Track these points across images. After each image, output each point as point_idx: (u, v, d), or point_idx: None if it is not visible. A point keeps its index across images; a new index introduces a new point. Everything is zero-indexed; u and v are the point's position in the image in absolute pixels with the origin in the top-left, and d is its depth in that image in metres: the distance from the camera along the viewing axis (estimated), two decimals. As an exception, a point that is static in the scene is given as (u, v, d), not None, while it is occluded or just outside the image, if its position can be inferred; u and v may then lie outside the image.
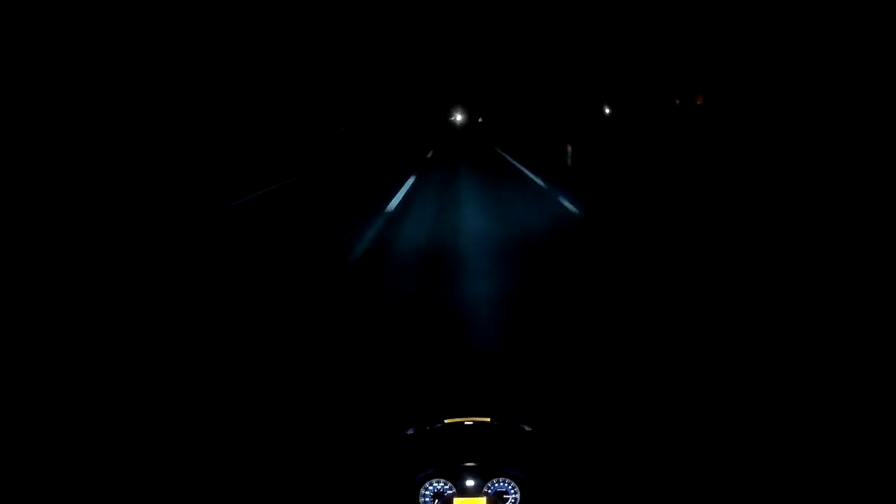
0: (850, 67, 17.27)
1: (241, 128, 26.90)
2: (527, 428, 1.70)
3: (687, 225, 8.50)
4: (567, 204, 10.34)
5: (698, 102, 28.88)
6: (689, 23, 27.83)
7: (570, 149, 18.26)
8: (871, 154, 13.35)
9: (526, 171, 16.67)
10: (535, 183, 14.10)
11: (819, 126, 17.08)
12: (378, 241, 7.51)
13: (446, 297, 5.00)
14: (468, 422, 1.68)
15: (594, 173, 15.74)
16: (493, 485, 1.55)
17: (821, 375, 2.84)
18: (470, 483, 1.55)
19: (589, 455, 1.64)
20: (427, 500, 1.53)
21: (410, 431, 1.67)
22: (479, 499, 1.54)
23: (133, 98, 21.03)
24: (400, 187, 13.03)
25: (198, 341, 4.18)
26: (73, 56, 18.61)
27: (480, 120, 63.83)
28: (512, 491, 1.55)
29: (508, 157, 22.48)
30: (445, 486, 1.54)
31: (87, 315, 4.85)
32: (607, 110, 41.08)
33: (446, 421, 1.69)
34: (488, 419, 1.70)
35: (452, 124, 63.23)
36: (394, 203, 10.80)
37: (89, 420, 2.12)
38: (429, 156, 24.74)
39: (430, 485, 1.54)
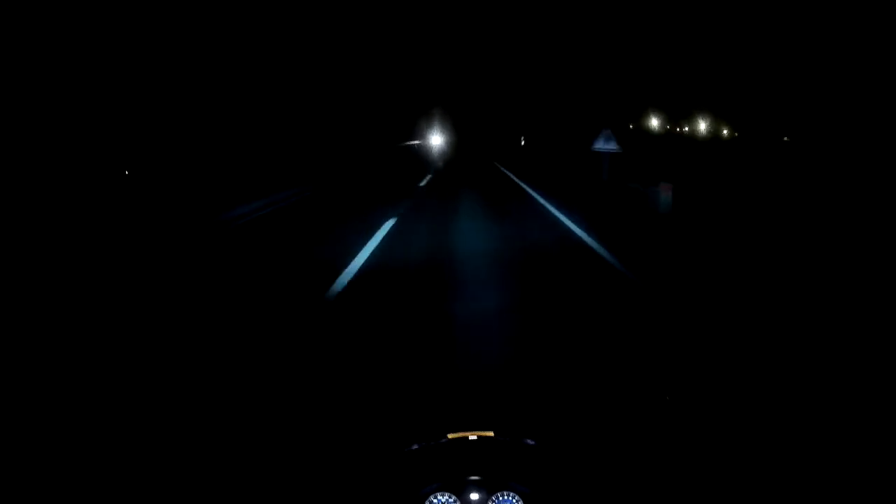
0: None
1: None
2: (530, 442, 1.71)
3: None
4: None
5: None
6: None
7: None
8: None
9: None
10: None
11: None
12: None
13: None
14: (472, 436, 1.71)
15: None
16: (497, 499, 1.57)
17: (821, 376, 2.78)
18: (474, 497, 1.57)
19: (593, 469, 1.64)
20: None
21: (415, 447, 1.69)
22: None
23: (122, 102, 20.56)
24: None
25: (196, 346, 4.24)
26: (67, 57, 18.41)
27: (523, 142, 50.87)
28: None
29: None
30: (450, 500, 1.56)
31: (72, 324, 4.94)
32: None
33: (450, 436, 1.71)
34: (492, 433, 1.72)
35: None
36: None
37: (86, 422, 2.13)
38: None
39: (435, 498, 1.56)
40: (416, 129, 58.05)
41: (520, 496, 1.56)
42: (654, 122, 46.50)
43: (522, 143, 47.37)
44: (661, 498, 1.56)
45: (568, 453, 1.68)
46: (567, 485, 1.59)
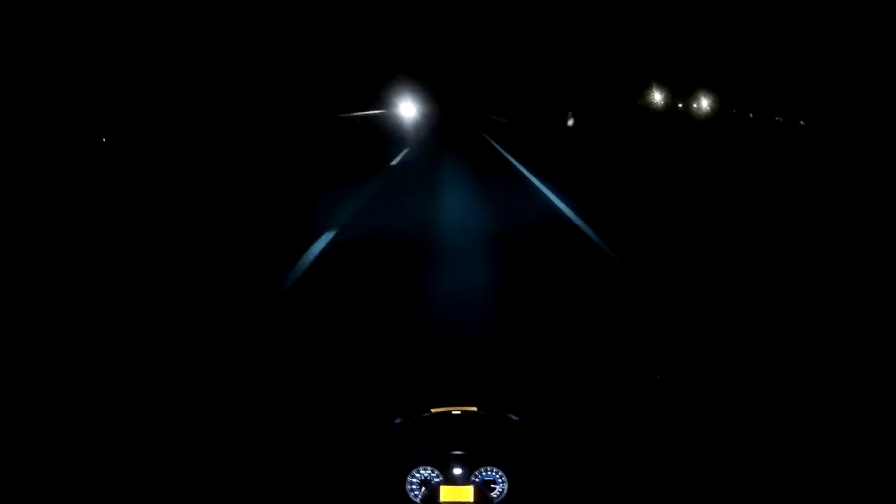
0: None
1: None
2: (514, 417, 1.70)
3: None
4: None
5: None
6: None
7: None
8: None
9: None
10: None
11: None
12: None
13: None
14: (455, 411, 1.69)
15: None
16: (481, 474, 1.56)
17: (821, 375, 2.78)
18: (458, 471, 1.56)
19: (577, 445, 1.63)
20: (414, 487, 1.55)
21: (398, 420, 1.68)
22: (467, 487, 1.55)
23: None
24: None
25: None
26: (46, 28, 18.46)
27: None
28: (500, 480, 1.56)
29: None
30: (433, 474, 1.56)
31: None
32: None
33: (433, 410, 1.70)
34: (475, 409, 1.70)
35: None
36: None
37: (70, 416, 2.09)
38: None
39: (418, 472, 1.56)
40: (384, 97, 48.33)
41: (503, 472, 1.56)
42: (658, 98, 45.72)
43: (570, 122, 35.91)
44: (648, 475, 1.56)
45: (552, 429, 1.67)
46: (551, 461, 1.58)
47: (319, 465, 1.56)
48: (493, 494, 1.54)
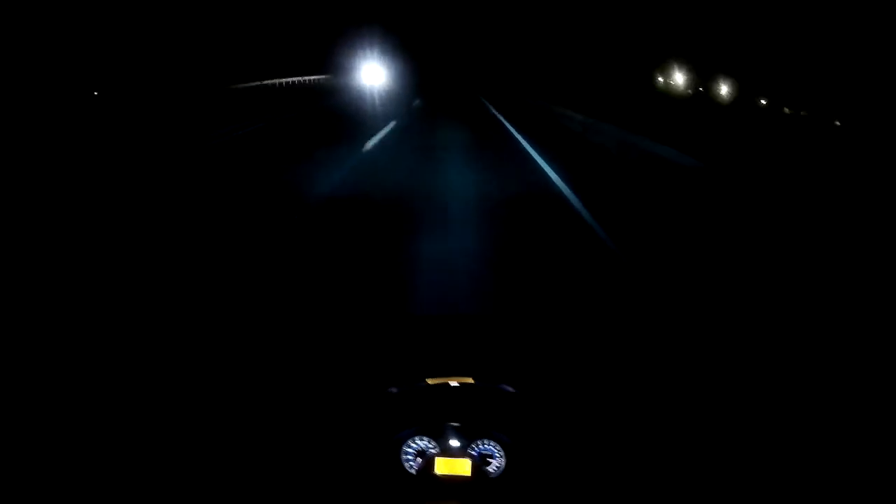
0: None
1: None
2: (510, 389, 1.66)
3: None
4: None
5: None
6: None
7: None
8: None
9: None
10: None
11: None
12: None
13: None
14: (452, 382, 1.66)
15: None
16: (477, 446, 1.53)
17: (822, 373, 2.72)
18: (454, 443, 1.53)
19: (575, 419, 1.60)
20: (409, 457, 1.52)
21: (393, 390, 1.65)
22: (464, 460, 1.52)
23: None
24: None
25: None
26: None
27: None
28: (497, 454, 1.52)
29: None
30: (429, 445, 1.53)
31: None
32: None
33: (429, 381, 1.66)
34: (471, 380, 1.67)
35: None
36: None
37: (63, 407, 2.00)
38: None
39: (414, 443, 1.53)
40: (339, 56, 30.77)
41: (500, 444, 1.52)
42: (680, 79, 44.36)
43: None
44: (644, 449, 1.52)
45: (549, 402, 1.64)
46: (548, 434, 1.55)
47: (313, 434, 1.54)
48: (490, 469, 1.51)
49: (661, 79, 44.34)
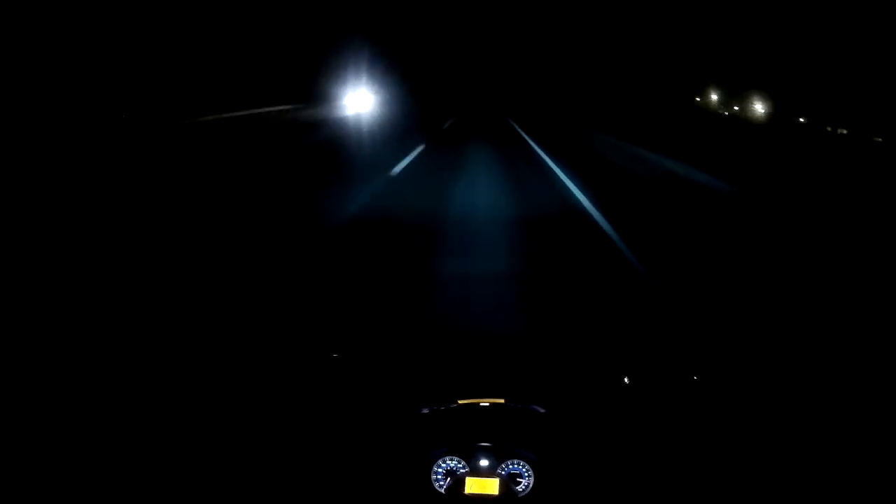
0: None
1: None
2: (541, 410, 1.69)
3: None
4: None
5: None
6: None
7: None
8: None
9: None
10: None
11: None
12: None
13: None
14: (483, 402, 1.69)
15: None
16: (506, 466, 1.56)
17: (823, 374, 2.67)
18: (483, 463, 1.56)
19: (603, 439, 1.61)
20: (440, 477, 1.56)
21: (425, 411, 1.69)
22: (493, 479, 1.55)
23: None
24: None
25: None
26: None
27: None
28: (526, 473, 1.55)
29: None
30: (459, 465, 1.56)
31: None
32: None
33: (460, 402, 1.70)
34: (502, 400, 1.70)
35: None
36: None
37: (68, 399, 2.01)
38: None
39: (444, 462, 1.56)
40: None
41: (529, 464, 1.55)
42: (714, 98, 43.89)
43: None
44: (671, 471, 1.53)
45: (579, 422, 1.66)
46: (577, 454, 1.57)
47: (345, 454, 1.58)
48: (519, 488, 1.54)
49: (698, 98, 44.01)
